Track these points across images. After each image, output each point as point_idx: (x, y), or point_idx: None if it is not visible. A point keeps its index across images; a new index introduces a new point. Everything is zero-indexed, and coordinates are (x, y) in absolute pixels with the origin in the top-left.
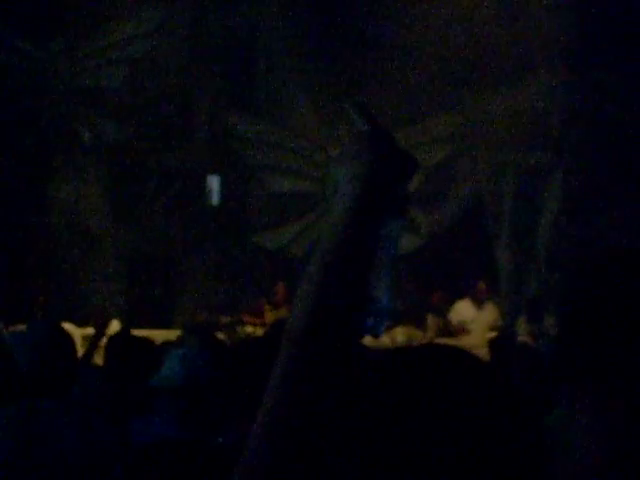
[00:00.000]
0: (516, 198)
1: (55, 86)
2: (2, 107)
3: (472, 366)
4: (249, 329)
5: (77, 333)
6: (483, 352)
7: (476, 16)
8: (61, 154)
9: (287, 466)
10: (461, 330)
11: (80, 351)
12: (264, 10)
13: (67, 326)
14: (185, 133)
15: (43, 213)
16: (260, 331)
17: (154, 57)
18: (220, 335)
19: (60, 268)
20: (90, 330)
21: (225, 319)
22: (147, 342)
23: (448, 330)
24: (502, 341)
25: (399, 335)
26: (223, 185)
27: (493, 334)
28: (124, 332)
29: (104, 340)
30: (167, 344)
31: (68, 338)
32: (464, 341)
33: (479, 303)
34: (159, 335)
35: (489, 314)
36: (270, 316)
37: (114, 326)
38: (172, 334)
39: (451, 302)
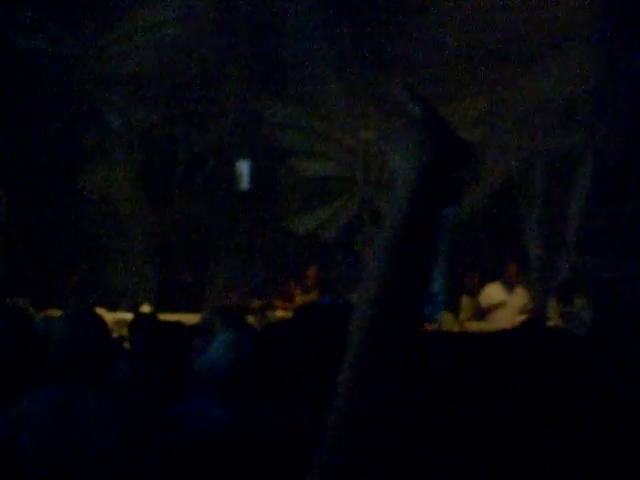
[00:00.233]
0: (546, 181)
1: (85, 71)
2: (32, 93)
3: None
4: (280, 313)
5: (108, 318)
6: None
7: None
8: (91, 139)
9: (367, 456)
10: (491, 312)
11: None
12: None
13: (99, 311)
14: (214, 117)
15: (74, 199)
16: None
17: (183, 42)
18: (251, 319)
19: (91, 253)
20: (121, 315)
21: (256, 303)
22: (175, 325)
23: (481, 312)
24: (533, 324)
25: None
26: (253, 170)
27: (523, 317)
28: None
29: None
30: (195, 328)
31: (102, 323)
32: (495, 324)
33: (509, 286)
34: (189, 319)
35: (519, 297)
36: (300, 300)
37: (145, 310)
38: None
39: (483, 285)
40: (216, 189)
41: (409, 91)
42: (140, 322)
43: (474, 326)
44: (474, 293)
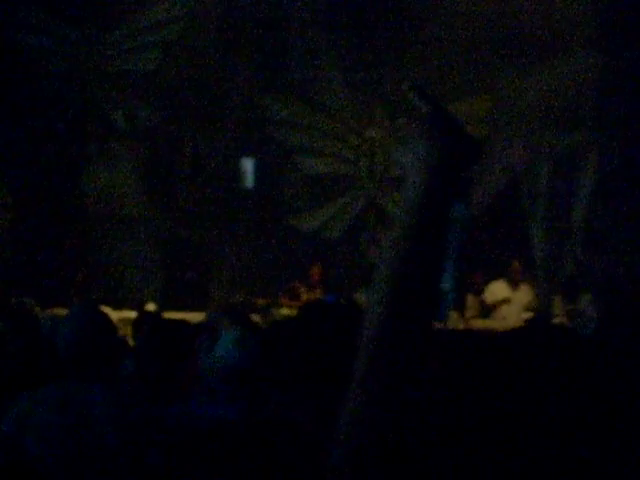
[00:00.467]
0: (551, 178)
1: (88, 70)
2: (36, 92)
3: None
4: (285, 311)
5: (114, 316)
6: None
7: None
8: (95, 138)
9: (380, 454)
10: (496, 309)
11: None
12: None
13: (105, 309)
14: (219, 116)
15: (78, 198)
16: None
17: (187, 40)
18: (256, 317)
19: (96, 253)
20: (126, 313)
21: (261, 301)
22: (179, 323)
23: (487, 310)
24: (538, 322)
25: None
26: (257, 168)
27: (529, 315)
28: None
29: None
30: (200, 326)
31: (108, 320)
32: (500, 322)
33: (513, 283)
34: (195, 317)
35: (523, 294)
36: (306, 298)
37: (150, 309)
38: None
39: (487, 283)
40: (220, 187)
41: (418, 89)
42: (144, 320)
43: (479, 324)
44: (479, 291)
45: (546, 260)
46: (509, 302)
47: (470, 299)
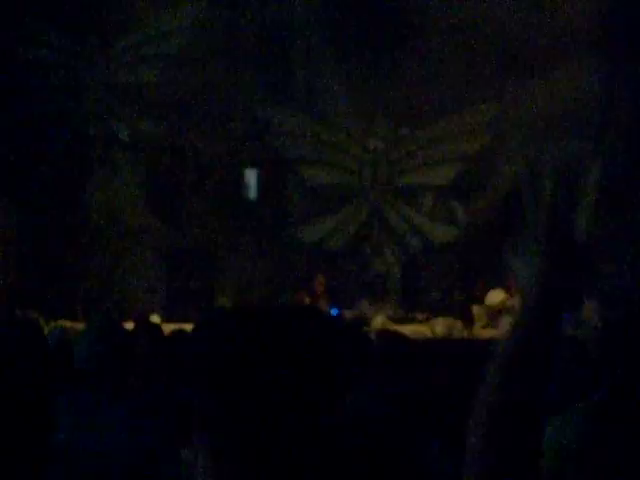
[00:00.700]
0: (554, 187)
1: (91, 82)
2: (39, 103)
3: None
4: None
5: None
6: None
7: (512, 6)
8: (98, 150)
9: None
10: (495, 315)
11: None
12: (300, 2)
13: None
14: (222, 127)
15: (82, 210)
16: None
17: (189, 52)
18: None
19: (100, 264)
20: (130, 325)
21: None
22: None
23: (493, 319)
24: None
25: (439, 326)
26: (260, 179)
27: None
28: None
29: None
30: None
31: (125, 334)
32: (499, 331)
33: (511, 291)
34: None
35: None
36: None
37: (154, 320)
38: None
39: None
40: (224, 199)
41: (533, 197)
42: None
43: (484, 333)
44: (482, 301)
45: None
46: (506, 306)
47: (476, 310)
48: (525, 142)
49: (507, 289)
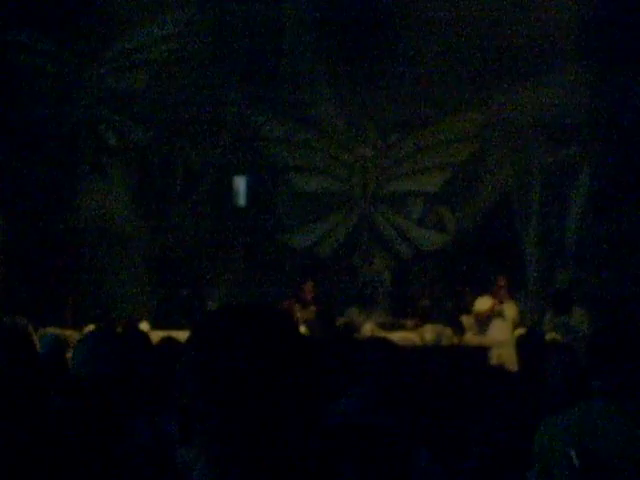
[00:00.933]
0: (543, 194)
1: (80, 89)
2: (29, 110)
3: None
4: None
5: None
6: (509, 348)
7: (499, 13)
8: (87, 157)
9: None
10: (482, 322)
11: None
12: (288, 10)
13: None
14: (211, 133)
15: (71, 217)
16: None
17: (179, 59)
18: None
19: (89, 270)
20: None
21: None
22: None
23: (482, 327)
24: (530, 337)
25: (428, 333)
26: (250, 185)
27: (521, 331)
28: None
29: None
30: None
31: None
32: (488, 338)
33: (499, 299)
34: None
35: (509, 310)
36: (299, 315)
37: (144, 328)
38: None
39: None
40: (213, 205)
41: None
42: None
43: (474, 341)
44: (471, 310)
45: (538, 274)
46: (491, 312)
47: (465, 319)
48: (514, 149)
49: (494, 296)
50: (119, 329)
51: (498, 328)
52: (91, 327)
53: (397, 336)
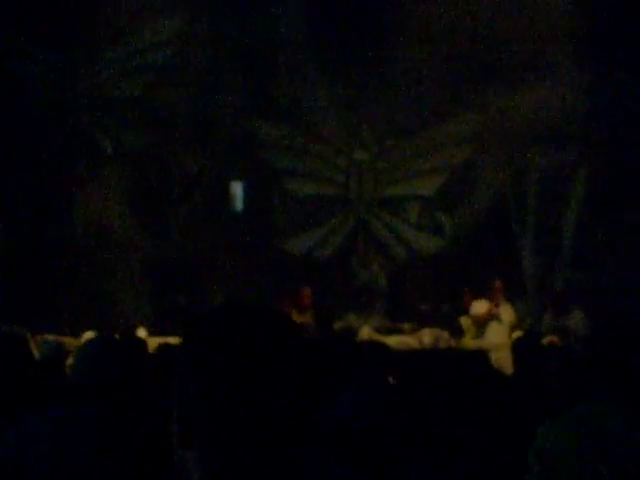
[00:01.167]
0: (539, 197)
1: (76, 96)
2: (24, 118)
3: None
4: None
5: None
6: (505, 352)
7: (497, 14)
8: (84, 164)
9: None
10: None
11: None
12: (284, 15)
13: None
14: (208, 139)
15: (68, 223)
16: None
17: (174, 65)
18: None
19: (86, 277)
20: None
21: None
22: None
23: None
24: (528, 340)
25: (426, 337)
26: (246, 191)
27: (519, 333)
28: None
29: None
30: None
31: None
32: (485, 341)
33: (495, 302)
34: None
35: (505, 313)
36: (297, 320)
37: (140, 334)
38: None
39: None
40: (210, 211)
41: None
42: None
43: (471, 344)
44: (467, 311)
45: (536, 277)
46: (489, 315)
47: (464, 322)
48: (510, 152)
49: (491, 299)
50: (117, 336)
51: (495, 331)
52: (89, 334)
53: (395, 340)
